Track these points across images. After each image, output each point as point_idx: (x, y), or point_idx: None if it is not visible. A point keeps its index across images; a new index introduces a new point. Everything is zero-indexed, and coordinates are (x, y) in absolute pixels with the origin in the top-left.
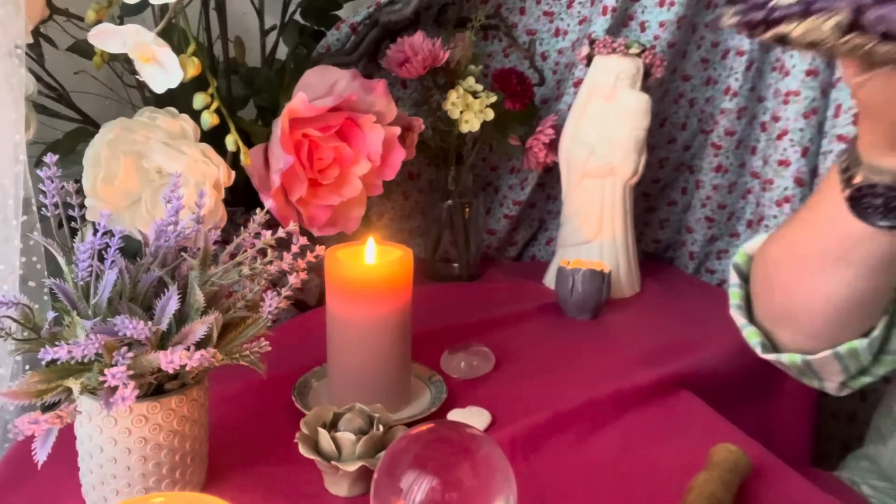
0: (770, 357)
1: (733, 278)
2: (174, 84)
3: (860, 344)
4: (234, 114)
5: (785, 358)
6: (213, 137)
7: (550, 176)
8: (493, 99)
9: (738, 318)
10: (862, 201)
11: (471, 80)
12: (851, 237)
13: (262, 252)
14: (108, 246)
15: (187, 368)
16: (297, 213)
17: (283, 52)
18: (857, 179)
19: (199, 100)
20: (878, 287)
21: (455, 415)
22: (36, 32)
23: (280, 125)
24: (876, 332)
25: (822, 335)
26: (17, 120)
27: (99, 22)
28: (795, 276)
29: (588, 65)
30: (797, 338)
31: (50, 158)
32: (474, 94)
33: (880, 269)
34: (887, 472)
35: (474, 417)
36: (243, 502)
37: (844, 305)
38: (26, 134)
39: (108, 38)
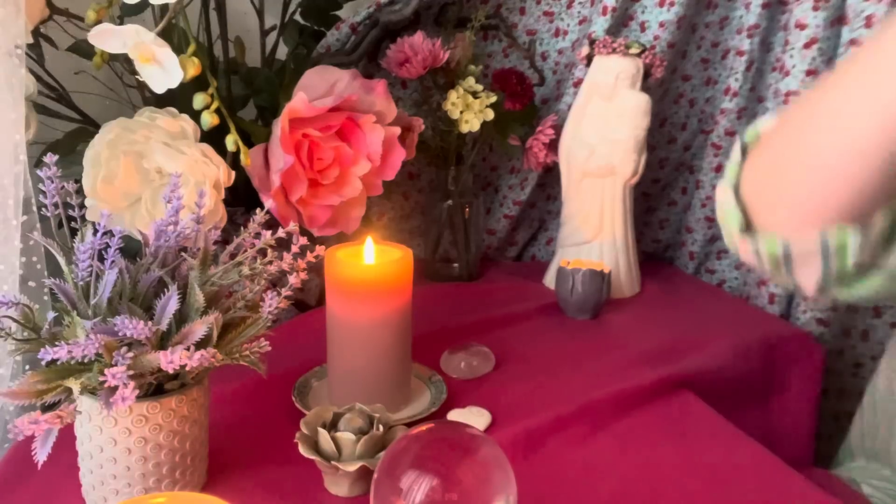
0: (747, 244)
1: (735, 156)
2: (174, 84)
3: (852, 240)
4: (234, 114)
5: (763, 245)
6: (213, 137)
7: (550, 176)
8: (493, 99)
9: (726, 195)
10: None
11: (471, 80)
12: None
13: (262, 252)
14: (108, 246)
15: (187, 368)
16: (297, 213)
17: (283, 52)
18: None
19: (199, 100)
20: None
21: (455, 415)
22: (36, 32)
23: (280, 125)
24: (878, 226)
25: (822, 199)
26: (17, 120)
27: (99, 22)
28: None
29: (588, 65)
30: (786, 211)
31: (50, 158)
32: (474, 94)
33: None
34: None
35: (474, 417)
36: (243, 502)
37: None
38: (26, 134)
39: (108, 38)
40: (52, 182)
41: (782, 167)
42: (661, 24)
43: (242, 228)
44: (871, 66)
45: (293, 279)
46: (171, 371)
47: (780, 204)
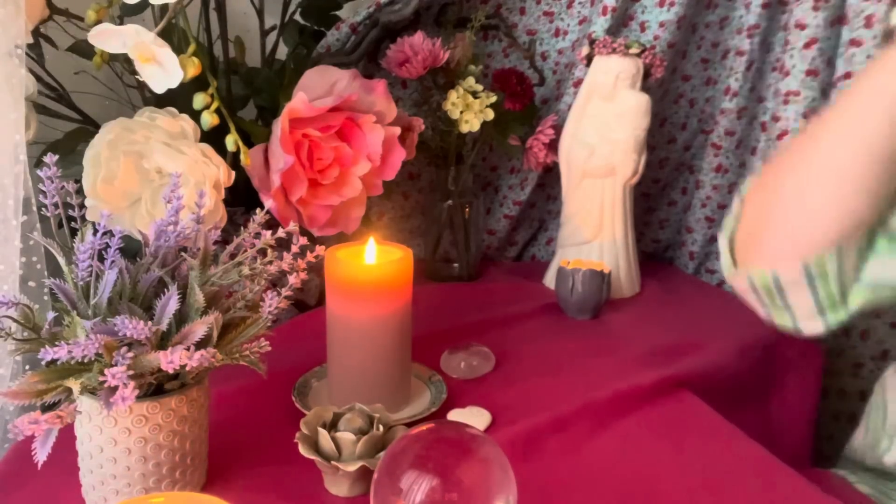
0: (741, 279)
1: (735, 209)
2: (174, 84)
3: (830, 265)
4: (234, 114)
5: (757, 278)
6: (213, 137)
7: (550, 176)
8: (493, 99)
9: (722, 243)
10: None
11: (471, 80)
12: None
13: (262, 252)
14: (108, 246)
15: (187, 368)
16: (297, 213)
17: (283, 52)
18: None
19: (199, 100)
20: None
21: (455, 415)
22: (36, 32)
23: (280, 125)
24: (854, 247)
25: (804, 232)
26: (17, 120)
27: (99, 22)
28: (806, 157)
29: (588, 65)
30: (775, 244)
31: (50, 158)
32: (474, 94)
33: None
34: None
35: (474, 417)
36: (243, 502)
37: (846, 182)
38: (26, 134)
39: (108, 38)
40: (52, 182)
41: (766, 212)
42: (661, 24)
43: (242, 228)
44: (852, 112)
45: (293, 279)
46: (171, 371)
47: (766, 242)
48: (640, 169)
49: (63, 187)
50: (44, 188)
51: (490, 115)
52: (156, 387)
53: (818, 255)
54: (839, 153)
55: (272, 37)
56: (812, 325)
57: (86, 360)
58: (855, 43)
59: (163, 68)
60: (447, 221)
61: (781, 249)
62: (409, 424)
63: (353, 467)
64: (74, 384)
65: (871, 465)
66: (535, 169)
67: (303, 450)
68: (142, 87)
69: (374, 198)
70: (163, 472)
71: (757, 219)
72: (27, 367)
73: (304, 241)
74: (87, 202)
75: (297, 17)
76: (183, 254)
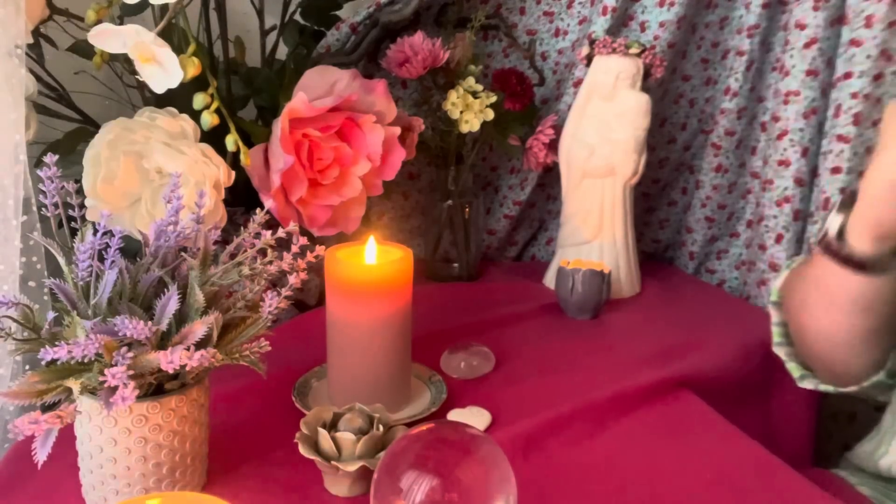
0: (809, 386)
1: (774, 316)
2: (174, 84)
3: (879, 376)
4: (234, 114)
5: (822, 388)
6: (213, 137)
7: (550, 176)
8: (493, 99)
9: (781, 354)
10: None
11: (471, 80)
12: (844, 285)
13: (262, 252)
14: (108, 246)
15: (187, 368)
16: (297, 213)
17: (283, 52)
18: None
19: (199, 100)
20: (866, 327)
21: (455, 415)
22: (36, 32)
23: (280, 125)
24: (889, 363)
25: (835, 370)
26: (17, 120)
27: (99, 22)
28: (804, 320)
29: (588, 65)
30: (827, 377)
31: (50, 158)
32: (474, 94)
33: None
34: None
35: (474, 417)
36: (243, 502)
37: (844, 343)
38: (26, 134)
39: (108, 38)
40: (52, 182)
41: (806, 349)
42: (661, 24)
43: (242, 228)
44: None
45: (293, 279)
46: (170, 371)
47: (818, 373)
48: (640, 169)
49: (63, 187)
50: (44, 188)
51: (490, 115)
52: (156, 387)
53: (872, 381)
54: (841, 337)
55: (272, 37)
56: (884, 397)
57: (86, 360)
58: (855, 43)
59: (163, 68)
60: (447, 221)
61: (833, 380)
62: (409, 424)
63: (353, 467)
64: (74, 384)
65: (868, 468)
66: (535, 169)
67: (303, 450)
68: (142, 87)
69: (374, 198)
70: (163, 472)
71: (801, 349)
72: (27, 367)
73: (304, 241)
74: (87, 202)
75: (297, 17)
76: (183, 254)
